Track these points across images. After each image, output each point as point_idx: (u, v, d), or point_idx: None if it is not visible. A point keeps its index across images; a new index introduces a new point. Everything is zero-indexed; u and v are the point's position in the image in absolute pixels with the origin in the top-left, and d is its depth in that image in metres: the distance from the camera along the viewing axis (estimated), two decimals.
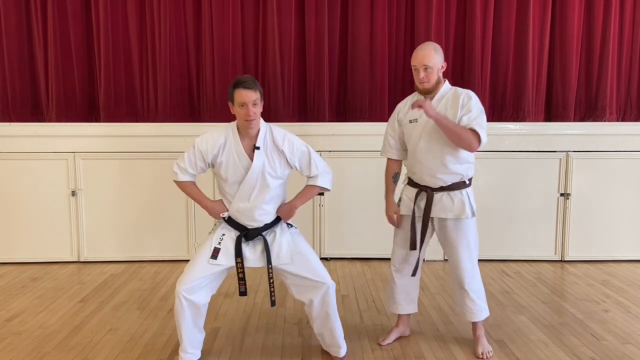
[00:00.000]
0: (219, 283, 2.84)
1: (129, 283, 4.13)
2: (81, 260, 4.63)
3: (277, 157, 2.74)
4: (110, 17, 4.74)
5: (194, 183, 2.85)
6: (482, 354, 2.91)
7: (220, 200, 2.84)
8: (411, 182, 3.02)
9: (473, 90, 5.03)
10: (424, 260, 3.16)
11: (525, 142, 4.59)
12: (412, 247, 2.96)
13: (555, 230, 4.66)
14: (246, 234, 2.76)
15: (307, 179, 2.87)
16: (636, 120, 4.96)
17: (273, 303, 2.82)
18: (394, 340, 3.11)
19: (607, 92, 4.87)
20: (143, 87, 4.87)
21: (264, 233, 2.79)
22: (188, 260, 4.57)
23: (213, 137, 2.73)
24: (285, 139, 2.76)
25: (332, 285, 2.79)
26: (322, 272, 2.79)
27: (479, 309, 2.96)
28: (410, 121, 2.93)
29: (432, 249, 4.53)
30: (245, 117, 2.63)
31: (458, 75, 4.94)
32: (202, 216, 4.56)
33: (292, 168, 2.81)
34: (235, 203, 2.76)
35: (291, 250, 2.78)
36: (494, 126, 4.65)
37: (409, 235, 2.99)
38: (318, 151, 4.57)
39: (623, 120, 4.97)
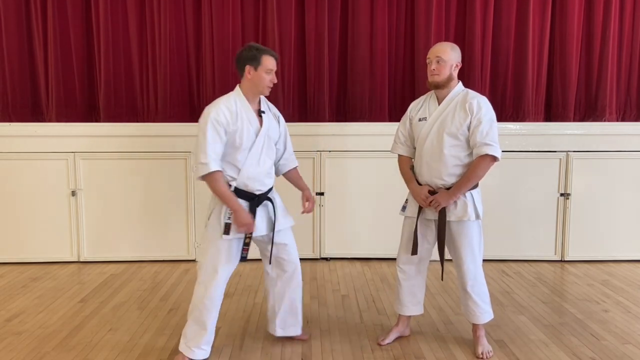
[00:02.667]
0: (231, 271, 2.84)
1: (129, 283, 4.13)
2: (81, 260, 4.63)
3: (274, 121, 2.91)
4: (110, 17, 4.74)
5: (223, 174, 2.72)
6: (482, 353, 2.90)
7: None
8: (419, 184, 3.00)
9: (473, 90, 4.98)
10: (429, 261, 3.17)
11: (525, 142, 4.59)
12: (414, 252, 2.97)
13: (555, 230, 4.66)
14: (258, 200, 2.80)
15: (280, 163, 3.00)
16: (636, 120, 4.96)
17: (272, 261, 2.95)
18: (394, 340, 3.11)
19: (607, 92, 4.87)
20: (143, 87, 4.87)
21: (268, 197, 2.88)
22: (188, 260, 4.64)
23: (227, 106, 2.73)
24: (276, 109, 3.00)
25: (298, 265, 3.03)
26: (296, 253, 3.03)
27: (482, 311, 2.96)
28: (420, 119, 2.94)
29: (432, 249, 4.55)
30: (270, 83, 2.78)
31: (458, 75, 4.90)
32: (202, 216, 4.57)
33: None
34: (247, 170, 2.75)
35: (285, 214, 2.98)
36: None
37: (412, 234, 3.00)
38: (318, 151, 4.61)
39: (623, 120, 4.97)
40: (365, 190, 4.63)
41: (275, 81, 2.81)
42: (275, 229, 2.85)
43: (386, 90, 4.87)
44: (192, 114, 4.89)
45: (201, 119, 2.73)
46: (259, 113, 2.81)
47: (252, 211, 2.76)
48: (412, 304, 3.12)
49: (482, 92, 4.85)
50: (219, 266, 2.76)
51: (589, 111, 4.96)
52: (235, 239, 2.77)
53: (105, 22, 4.72)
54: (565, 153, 4.59)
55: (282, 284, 3.02)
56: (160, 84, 4.80)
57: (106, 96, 4.80)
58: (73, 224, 4.59)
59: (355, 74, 4.86)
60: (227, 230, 2.71)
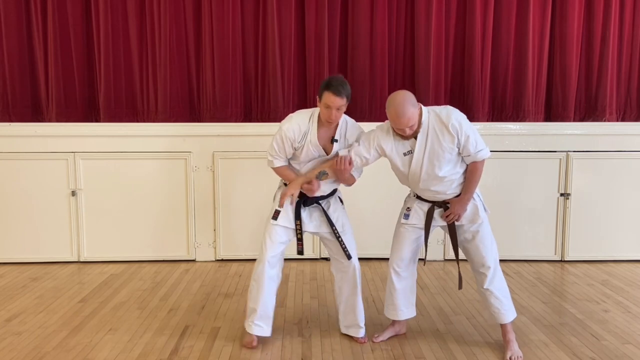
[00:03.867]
0: (283, 254, 3.07)
1: (129, 283, 4.13)
2: (81, 260, 4.63)
3: (345, 146, 2.99)
4: (110, 17, 4.74)
5: (287, 167, 3.05)
6: (511, 358, 2.86)
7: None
8: (421, 198, 3.01)
9: (473, 91, 5.03)
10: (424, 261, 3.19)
11: (525, 142, 4.59)
12: (424, 262, 3.02)
13: (555, 230, 4.66)
14: (305, 200, 3.00)
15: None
16: (636, 120, 4.96)
17: (349, 257, 3.04)
18: (392, 338, 3.12)
19: (607, 92, 4.87)
20: (143, 87, 4.86)
21: (320, 201, 3.03)
22: (188, 260, 4.64)
23: (298, 124, 2.92)
24: (355, 129, 3.02)
25: (357, 266, 3.08)
26: (354, 253, 3.08)
27: (507, 308, 2.94)
28: (405, 154, 2.87)
29: (432, 249, 4.54)
30: (327, 118, 2.85)
31: (458, 75, 4.94)
32: (202, 216, 4.58)
33: None
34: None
35: (342, 221, 3.08)
36: (494, 126, 4.66)
37: (412, 240, 3.02)
38: None
39: (623, 120, 4.97)
40: (365, 190, 4.61)
41: (333, 119, 2.83)
42: (313, 229, 3.06)
43: (386, 90, 4.86)
44: (192, 114, 4.89)
45: (280, 124, 2.99)
46: (332, 140, 2.94)
47: (298, 207, 3.00)
48: (406, 307, 3.13)
49: (482, 92, 4.88)
50: (264, 247, 3.01)
51: (589, 111, 4.95)
52: (283, 227, 3.00)
53: (105, 22, 4.72)
54: (565, 153, 4.59)
55: (340, 281, 3.14)
56: (160, 84, 4.79)
57: (106, 96, 4.80)
58: (73, 224, 4.58)
59: (355, 74, 4.85)
60: (275, 215, 3.01)
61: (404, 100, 2.69)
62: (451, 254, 4.44)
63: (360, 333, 3.10)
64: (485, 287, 2.93)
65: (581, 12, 4.83)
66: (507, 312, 2.95)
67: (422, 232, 3.01)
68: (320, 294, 3.92)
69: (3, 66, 4.76)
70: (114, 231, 4.61)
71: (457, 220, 2.92)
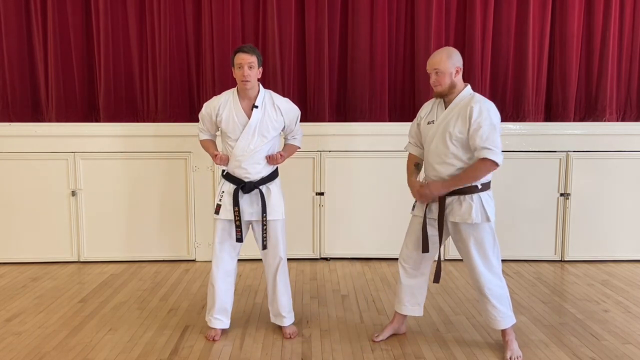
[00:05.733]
0: (237, 247, 3.16)
1: (129, 283, 4.13)
2: (81, 260, 4.63)
3: (274, 114, 3.07)
4: (110, 17, 4.74)
5: (212, 141, 3.23)
6: (511, 358, 2.86)
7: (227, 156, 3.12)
8: None
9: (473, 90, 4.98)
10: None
11: (525, 142, 4.59)
12: (424, 249, 2.95)
13: (555, 230, 4.66)
14: (243, 186, 3.05)
15: (286, 139, 3.26)
16: (636, 120, 4.95)
17: (265, 247, 3.12)
18: (392, 338, 3.12)
19: (607, 92, 4.87)
20: (143, 87, 4.87)
21: (260, 187, 3.08)
22: (188, 260, 4.65)
23: (216, 98, 3.14)
24: (283, 99, 3.15)
25: (283, 257, 3.16)
26: (282, 246, 3.15)
27: (503, 315, 2.91)
28: (429, 123, 2.95)
29: (432, 249, 4.55)
30: (241, 77, 2.97)
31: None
32: (202, 216, 4.59)
33: (283, 125, 3.13)
34: (234, 158, 3.06)
35: (282, 207, 3.14)
36: None
37: (419, 236, 3.00)
38: (318, 151, 4.60)
39: (623, 120, 4.97)
40: (365, 190, 4.63)
41: (246, 76, 2.95)
42: (255, 218, 3.09)
43: (386, 90, 4.87)
44: (192, 114, 4.89)
45: None
46: (253, 107, 3.04)
47: (236, 194, 3.04)
48: (411, 304, 3.12)
49: (482, 92, 4.86)
50: (215, 244, 3.14)
51: (589, 111, 4.95)
52: (227, 220, 3.08)
53: (105, 22, 4.72)
54: (565, 153, 4.59)
55: (267, 271, 3.22)
56: (160, 84, 4.79)
57: (106, 96, 4.80)
58: (73, 224, 4.59)
59: (355, 74, 4.85)
60: (217, 210, 3.10)
61: (444, 50, 2.93)
62: (451, 254, 4.47)
63: (284, 322, 3.19)
64: (483, 293, 2.91)
65: (581, 12, 4.83)
66: (504, 319, 2.92)
67: (431, 228, 2.97)
68: (320, 294, 3.92)
69: (3, 66, 4.76)
70: (114, 231, 4.62)
71: (423, 200, 2.90)
